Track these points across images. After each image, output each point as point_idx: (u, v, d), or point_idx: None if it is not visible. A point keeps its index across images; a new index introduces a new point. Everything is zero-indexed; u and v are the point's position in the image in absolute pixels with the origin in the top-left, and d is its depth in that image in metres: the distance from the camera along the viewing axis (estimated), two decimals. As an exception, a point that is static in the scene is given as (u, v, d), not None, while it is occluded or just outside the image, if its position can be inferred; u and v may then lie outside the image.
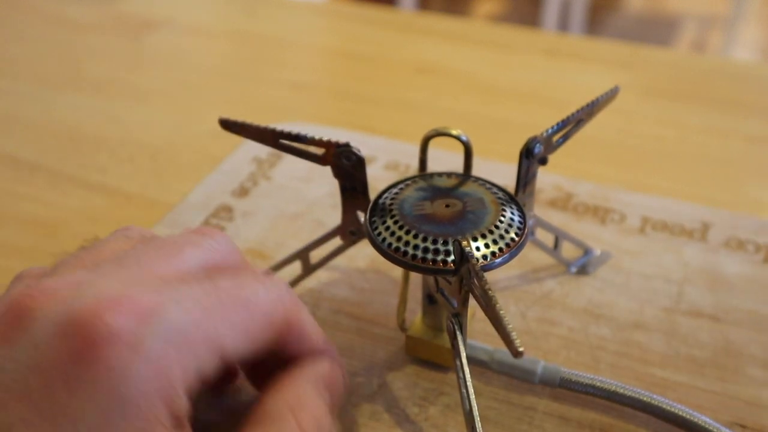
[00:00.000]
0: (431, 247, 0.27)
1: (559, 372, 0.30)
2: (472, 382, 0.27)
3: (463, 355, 0.27)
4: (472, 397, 0.26)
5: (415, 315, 0.33)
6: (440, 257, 0.27)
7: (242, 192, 0.42)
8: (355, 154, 0.29)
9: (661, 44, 2.06)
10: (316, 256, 0.34)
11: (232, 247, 0.26)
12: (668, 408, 0.28)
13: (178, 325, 0.20)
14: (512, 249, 0.27)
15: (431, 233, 0.27)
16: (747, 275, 0.37)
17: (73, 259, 0.24)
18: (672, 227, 0.40)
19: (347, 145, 0.29)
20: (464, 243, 0.26)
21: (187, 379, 0.20)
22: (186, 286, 0.22)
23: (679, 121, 0.52)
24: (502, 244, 0.27)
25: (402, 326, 0.32)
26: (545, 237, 0.36)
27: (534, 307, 0.35)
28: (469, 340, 0.31)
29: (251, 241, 0.39)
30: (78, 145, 0.48)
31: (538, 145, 0.30)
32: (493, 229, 0.27)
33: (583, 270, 0.37)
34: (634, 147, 0.49)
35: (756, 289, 0.36)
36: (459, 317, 0.27)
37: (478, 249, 0.27)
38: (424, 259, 0.27)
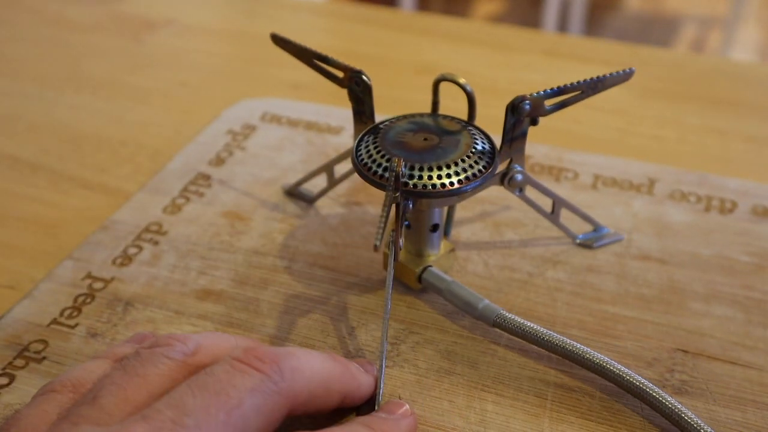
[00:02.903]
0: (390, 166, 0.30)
1: (496, 311, 0.32)
2: (392, 289, 0.32)
3: (392, 264, 0.31)
4: (389, 298, 0.30)
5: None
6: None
7: (218, 161, 0.45)
8: (363, 81, 0.33)
9: (660, 44, 2.06)
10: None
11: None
12: (589, 356, 0.30)
13: None
14: (456, 188, 0.30)
15: (396, 156, 0.31)
16: (690, 223, 0.40)
17: (114, 399, 0.24)
18: (621, 183, 0.43)
19: (360, 72, 0.33)
20: (396, 161, 0.29)
21: None
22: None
23: (679, 121, 0.53)
24: (455, 179, 0.31)
25: (386, 246, 0.35)
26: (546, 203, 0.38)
27: (495, 256, 0.37)
28: (432, 268, 0.34)
29: (228, 204, 0.41)
30: (78, 145, 0.49)
31: (526, 102, 0.32)
32: (451, 164, 0.31)
33: (588, 244, 0.38)
34: (634, 147, 0.49)
35: (698, 235, 0.39)
36: (395, 232, 0.31)
37: (430, 178, 0.30)
38: (381, 176, 0.31)
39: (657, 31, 2.20)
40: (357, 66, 0.34)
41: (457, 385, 0.31)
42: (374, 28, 0.67)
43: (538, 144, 0.46)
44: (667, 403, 0.28)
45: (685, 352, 0.32)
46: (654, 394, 0.28)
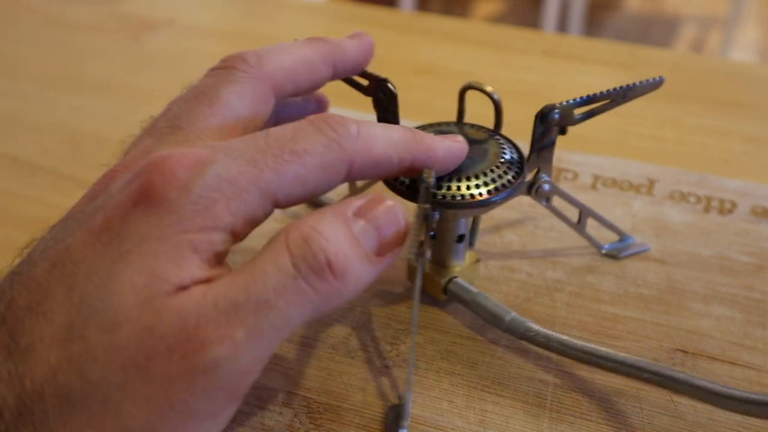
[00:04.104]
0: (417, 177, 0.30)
1: (524, 324, 0.31)
2: (419, 302, 0.32)
3: (420, 276, 0.30)
4: (417, 310, 0.29)
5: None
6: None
7: None
8: (389, 89, 0.34)
9: (660, 45, 2.06)
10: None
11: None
12: (631, 363, 0.28)
13: (226, 175, 0.23)
14: (485, 199, 0.30)
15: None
16: (689, 223, 0.40)
17: (151, 128, 0.30)
18: (621, 183, 0.43)
19: (385, 80, 0.33)
20: (427, 172, 0.29)
21: (232, 221, 0.23)
22: (239, 142, 0.25)
23: (678, 121, 0.53)
24: (483, 189, 0.30)
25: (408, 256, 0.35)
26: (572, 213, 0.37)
27: (495, 256, 0.38)
28: (457, 280, 0.33)
29: None
30: (78, 145, 0.49)
31: (556, 112, 0.31)
32: (480, 175, 0.30)
33: (614, 255, 0.38)
34: (634, 147, 0.49)
35: (697, 235, 0.39)
36: (422, 244, 0.30)
37: (459, 189, 0.30)
38: (409, 187, 0.31)
39: (657, 31, 2.20)
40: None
41: (456, 386, 0.31)
42: (374, 28, 0.67)
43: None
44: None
45: (685, 352, 0.32)
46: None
